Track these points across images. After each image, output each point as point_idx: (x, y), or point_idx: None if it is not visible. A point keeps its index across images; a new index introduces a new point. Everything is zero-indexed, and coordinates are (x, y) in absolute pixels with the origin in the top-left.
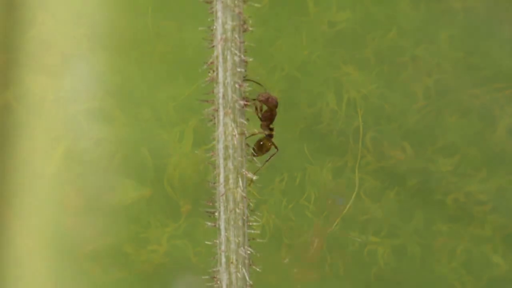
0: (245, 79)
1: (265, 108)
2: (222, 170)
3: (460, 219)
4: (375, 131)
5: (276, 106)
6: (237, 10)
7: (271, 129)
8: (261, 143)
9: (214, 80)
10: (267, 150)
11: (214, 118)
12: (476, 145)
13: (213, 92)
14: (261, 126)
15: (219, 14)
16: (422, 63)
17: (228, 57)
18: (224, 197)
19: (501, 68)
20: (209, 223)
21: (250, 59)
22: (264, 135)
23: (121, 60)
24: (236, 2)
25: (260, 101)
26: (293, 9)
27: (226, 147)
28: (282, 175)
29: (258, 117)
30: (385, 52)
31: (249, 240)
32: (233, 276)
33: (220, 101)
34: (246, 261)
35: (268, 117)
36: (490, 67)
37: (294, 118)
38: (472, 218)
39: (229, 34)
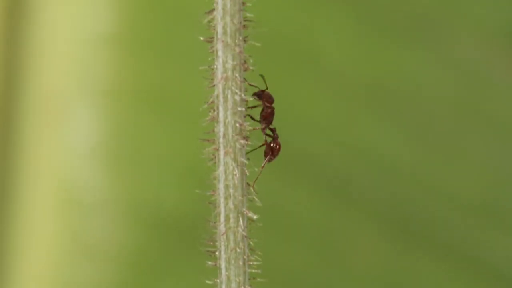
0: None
1: (264, 111)
2: (222, 209)
3: None
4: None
5: (271, 101)
6: (237, 49)
7: (273, 130)
8: (272, 145)
9: (214, 120)
10: (280, 148)
11: (215, 157)
12: None
13: (213, 131)
14: (263, 130)
15: (220, 53)
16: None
17: (229, 96)
18: (224, 236)
19: None
20: (209, 263)
21: (251, 99)
22: (271, 139)
23: (122, 105)
24: (236, 41)
25: (254, 94)
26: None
27: (226, 187)
28: None
29: (258, 128)
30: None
31: (249, 279)
32: None
33: (221, 140)
34: None
35: (265, 116)
36: None
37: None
38: None
39: (229, 73)
